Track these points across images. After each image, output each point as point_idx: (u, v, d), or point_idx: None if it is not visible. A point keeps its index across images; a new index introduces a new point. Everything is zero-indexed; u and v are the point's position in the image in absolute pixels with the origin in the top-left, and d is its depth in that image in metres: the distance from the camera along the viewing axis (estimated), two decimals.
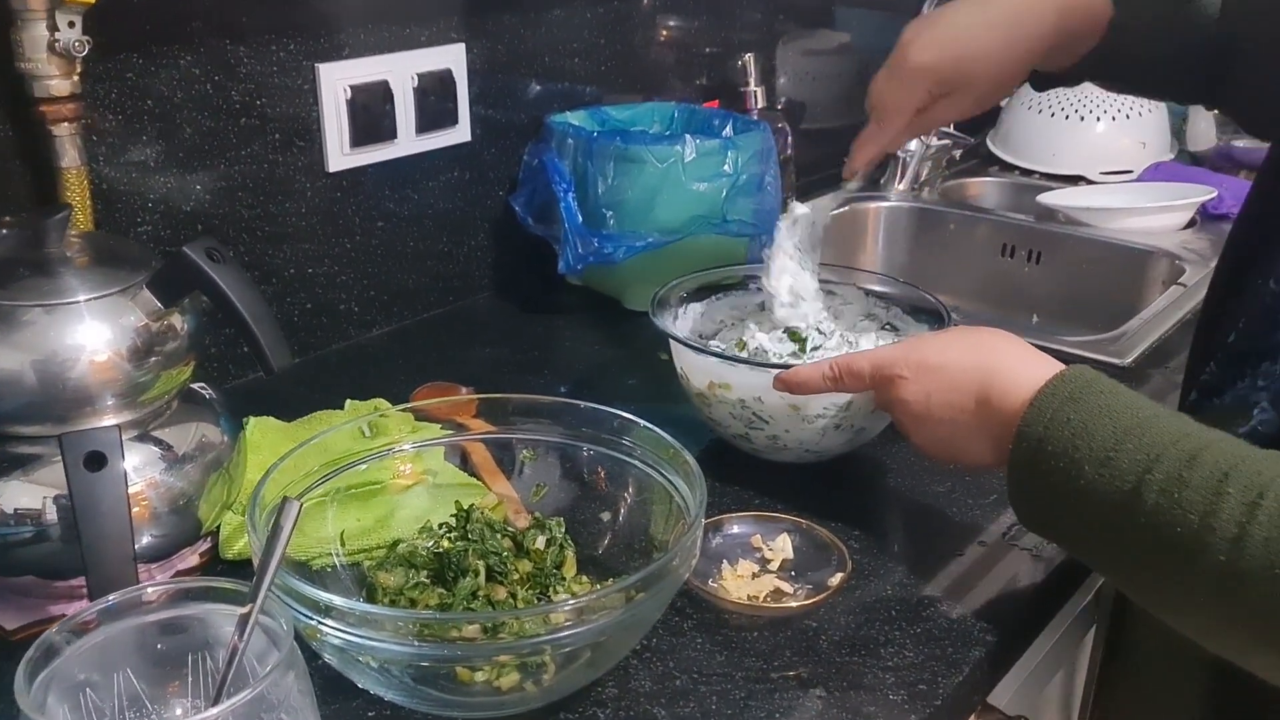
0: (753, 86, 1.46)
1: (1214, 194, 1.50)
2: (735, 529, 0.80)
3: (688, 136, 1.13)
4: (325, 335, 1.11)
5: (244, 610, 0.51)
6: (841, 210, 1.61)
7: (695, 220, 1.14)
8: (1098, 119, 1.70)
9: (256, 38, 0.98)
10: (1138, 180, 1.66)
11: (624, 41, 1.34)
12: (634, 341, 1.16)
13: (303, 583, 0.58)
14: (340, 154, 1.06)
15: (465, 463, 0.84)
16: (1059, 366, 0.68)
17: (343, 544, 0.74)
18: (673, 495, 0.71)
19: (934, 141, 1.67)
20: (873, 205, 1.64)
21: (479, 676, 0.63)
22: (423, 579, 0.70)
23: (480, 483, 0.83)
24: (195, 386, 0.80)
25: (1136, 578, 0.61)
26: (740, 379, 0.84)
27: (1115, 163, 1.69)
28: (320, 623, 0.58)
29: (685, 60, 1.44)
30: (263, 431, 0.88)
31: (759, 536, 0.79)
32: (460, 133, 1.17)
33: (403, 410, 0.81)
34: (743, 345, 0.91)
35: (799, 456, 0.87)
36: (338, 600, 0.58)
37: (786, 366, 0.81)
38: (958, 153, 1.83)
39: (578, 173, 1.16)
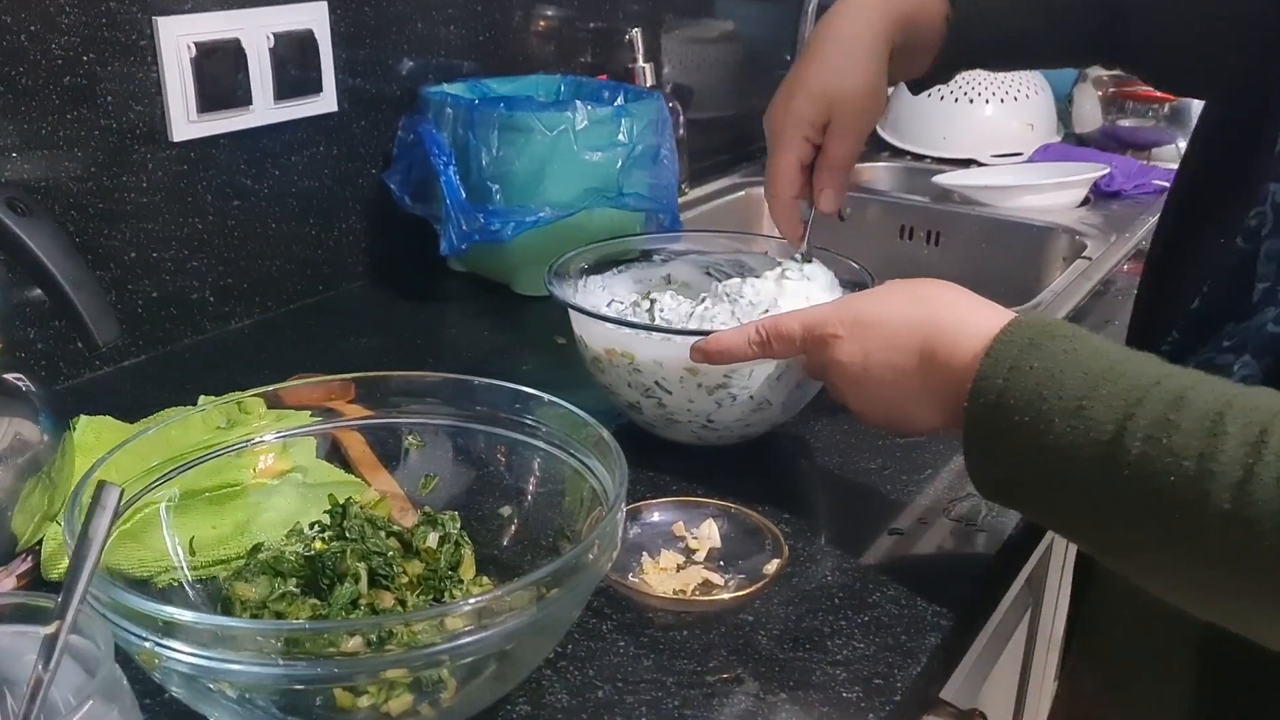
0: (641, 63, 1.38)
1: (1107, 170, 1.48)
2: (655, 516, 0.71)
3: (578, 103, 1.04)
4: (175, 328, 0.98)
5: (49, 630, 0.39)
6: (736, 196, 1.55)
7: (589, 194, 1.05)
8: (986, 101, 1.68)
9: None
10: (1028, 162, 1.64)
11: (503, 10, 1.24)
12: (526, 327, 1.07)
13: (135, 594, 0.47)
14: (186, 121, 0.93)
15: (340, 458, 0.73)
16: (1010, 314, 0.61)
17: (192, 553, 0.62)
18: (586, 479, 0.61)
19: None
20: None
21: (363, 701, 0.52)
22: (291, 588, 0.58)
23: (359, 479, 0.72)
24: (8, 377, 0.67)
25: (1121, 541, 0.54)
26: (644, 348, 0.75)
27: (1005, 145, 1.67)
28: (160, 644, 0.47)
29: (569, 34, 1.35)
30: (96, 432, 0.75)
31: (681, 524, 0.70)
32: (325, 102, 1.05)
33: (261, 393, 0.69)
34: (648, 304, 0.83)
35: (695, 434, 0.78)
36: (183, 614, 0.46)
37: (704, 333, 0.72)
38: None
39: (458, 145, 1.06)
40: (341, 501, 0.63)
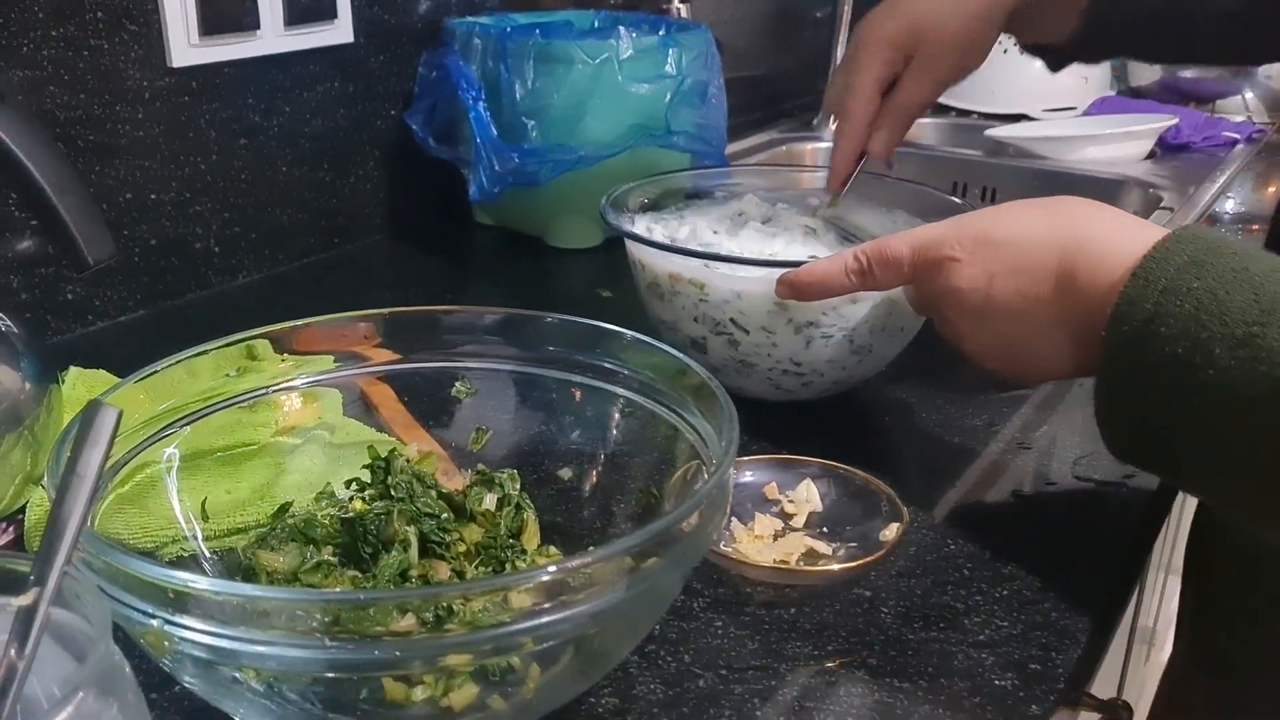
0: (676, 3, 1.27)
1: (1175, 120, 1.38)
2: (746, 476, 0.60)
3: (622, 29, 0.93)
4: (177, 281, 0.87)
5: (24, 600, 0.29)
6: (774, 152, 1.45)
7: (634, 131, 0.95)
8: None
9: None
10: (1084, 115, 1.54)
11: None
12: (563, 284, 0.96)
13: (136, 557, 0.36)
14: (186, 44, 0.83)
15: (371, 416, 0.63)
16: (1163, 233, 0.51)
17: (204, 520, 0.52)
18: (682, 433, 0.50)
19: None
20: (809, 146, 1.47)
21: (418, 694, 0.42)
22: (326, 557, 0.48)
23: (396, 439, 0.62)
24: None
25: None
26: (719, 279, 0.65)
27: (1058, 99, 1.57)
28: (171, 622, 0.37)
29: None
30: (89, 385, 0.65)
31: (774, 485, 0.60)
32: (340, 31, 0.95)
33: (282, 330, 0.59)
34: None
35: (771, 382, 0.68)
36: (199, 581, 0.36)
37: (795, 264, 0.62)
38: None
39: (488, 79, 0.95)
40: (383, 455, 0.52)
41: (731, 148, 1.43)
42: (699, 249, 0.69)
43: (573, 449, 0.56)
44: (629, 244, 0.70)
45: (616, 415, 0.54)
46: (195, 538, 0.52)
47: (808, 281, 0.61)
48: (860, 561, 0.54)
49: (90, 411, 0.30)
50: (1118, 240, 0.51)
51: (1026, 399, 0.72)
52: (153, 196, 0.84)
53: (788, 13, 1.62)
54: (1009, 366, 0.58)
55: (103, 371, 0.68)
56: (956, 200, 0.74)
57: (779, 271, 0.62)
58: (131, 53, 0.80)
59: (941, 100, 1.63)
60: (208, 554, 0.51)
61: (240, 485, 0.57)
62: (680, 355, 0.51)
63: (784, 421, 0.68)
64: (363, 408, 0.62)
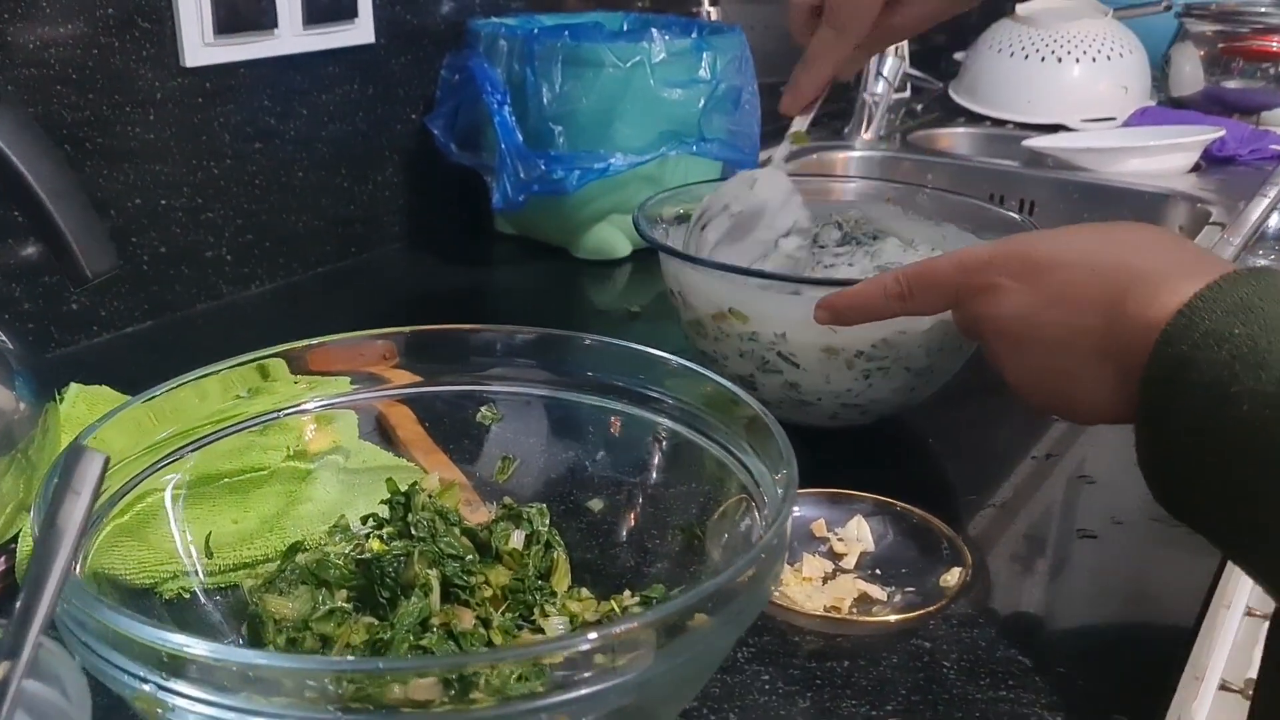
0: (707, 5, 1.23)
1: (1221, 132, 1.33)
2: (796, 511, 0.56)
3: (654, 31, 0.89)
4: (186, 291, 0.83)
5: None
6: (807, 160, 1.40)
7: (666, 138, 0.91)
8: (1076, 60, 1.53)
9: None
10: (1124, 126, 1.49)
11: None
12: (590, 298, 0.92)
13: (128, 614, 0.32)
14: (201, 43, 0.79)
15: (389, 440, 0.59)
16: (1232, 266, 0.46)
17: (208, 555, 0.48)
18: (732, 471, 0.46)
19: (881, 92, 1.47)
20: (840, 155, 1.43)
21: None
22: (340, 603, 0.44)
23: (415, 464, 0.58)
24: None
25: None
26: (765, 307, 0.60)
27: (1097, 109, 1.52)
28: (165, 686, 0.32)
29: None
30: (90, 403, 0.61)
31: (823, 522, 0.56)
32: (361, 31, 0.91)
33: (296, 349, 0.55)
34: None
35: (829, 416, 0.64)
36: (197, 645, 0.32)
37: (847, 283, 0.58)
38: (919, 105, 1.65)
39: (514, 82, 0.91)
40: (403, 488, 0.48)
41: (761, 156, 1.39)
42: (744, 266, 0.65)
43: (608, 481, 0.52)
44: (664, 263, 0.65)
45: (657, 446, 0.50)
46: (197, 573, 0.48)
47: (845, 305, 0.57)
48: (919, 611, 0.50)
49: (73, 457, 0.26)
50: (1172, 274, 0.46)
51: (1085, 428, 0.68)
52: (163, 202, 0.80)
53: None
54: (1051, 402, 0.53)
55: (105, 388, 0.64)
56: (1015, 216, 0.70)
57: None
58: (143, 51, 0.77)
59: (976, 109, 1.59)
60: (210, 591, 0.47)
61: (248, 515, 0.53)
62: (730, 385, 0.46)
63: (832, 447, 0.64)
64: (380, 430, 0.58)
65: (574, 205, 0.92)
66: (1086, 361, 0.49)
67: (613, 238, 0.95)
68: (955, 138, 1.57)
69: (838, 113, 1.58)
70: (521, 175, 0.88)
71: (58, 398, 0.60)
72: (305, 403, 0.54)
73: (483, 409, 0.53)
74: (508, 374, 0.52)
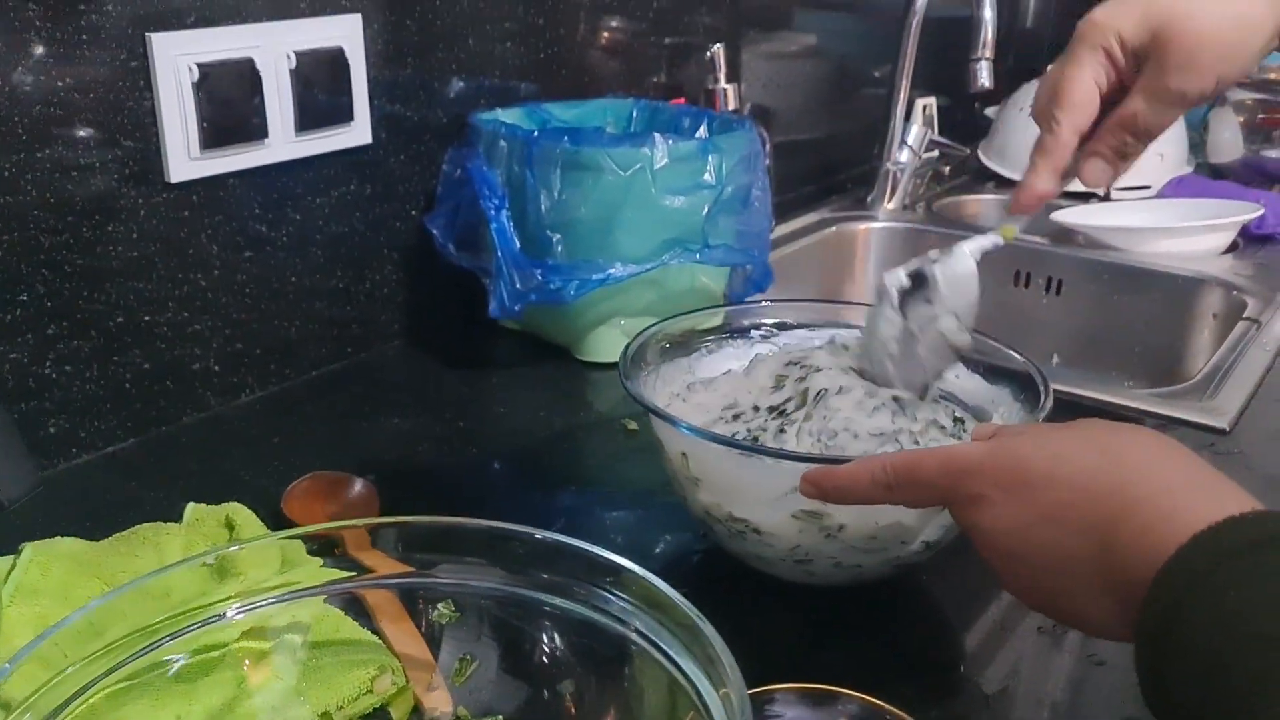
0: (723, 84, 1.20)
1: (1260, 211, 1.28)
2: (772, 709, 0.52)
3: (657, 136, 0.86)
4: (171, 406, 0.81)
5: None
6: (825, 234, 1.37)
7: (668, 245, 0.87)
8: None
9: None
10: (1158, 197, 1.44)
11: (567, 24, 1.07)
12: (591, 404, 0.89)
13: None
14: (187, 158, 0.77)
15: (356, 602, 0.56)
16: (1245, 502, 0.42)
17: None
18: (681, 686, 0.43)
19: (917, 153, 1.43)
20: (861, 226, 1.39)
21: None
22: None
23: (377, 638, 0.55)
24: None
25: None
26: (758, 479, 0.57)
27: (1131, 177, 1.44)
28: None
29: (639, 51, 1.18)
30: (44, 568, 0.58)
31: None
32: (357, 133, 0.89)
33: (252, 545, 0.52)
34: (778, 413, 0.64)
35: (791, 572, 0.61)
36: None
37: (836, 460, 0.54)
38: (946, 168, 1.61)
39: (513, 185, 0.89)
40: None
41: (778, 230, 1.35)
42: (728, 436, 0.62)
43: (569, 688, 0.49)
44: (658, 426, 0.62)
45: (616, 655, 0.47)
46: None
47: (832, 486, 0.53)
48: None
49: None
50: (1174, 505, 0.42)
51: None
52: (146, 318, 0.78)
53: (844, 71, 1.54)
54: (1058, 616, 0.49)
55: (65, 542, 0.62)
56: (1022, 362, 0.66)
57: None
58: (126, 170, 0.75)
59: (1005, 173, 1.55)
60: None
61: (193, 709, 0.50)
62: (690, 610, 0.43)
63: (814, 615, 0.60)
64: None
65: (574, 311, 0.89)
66: (1083, 585, 0.45)
67: (614, 341, 0.92)
68: (983, 204, 1.53)
69: (861, 177, 1.55)
70: (518, 285, 0.86)
71: (15, 563, 0.58)
72: (269, 593, 0.51)
73: (439, 606, 0.50)
74: (462, 571, 0.49)
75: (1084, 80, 0.58)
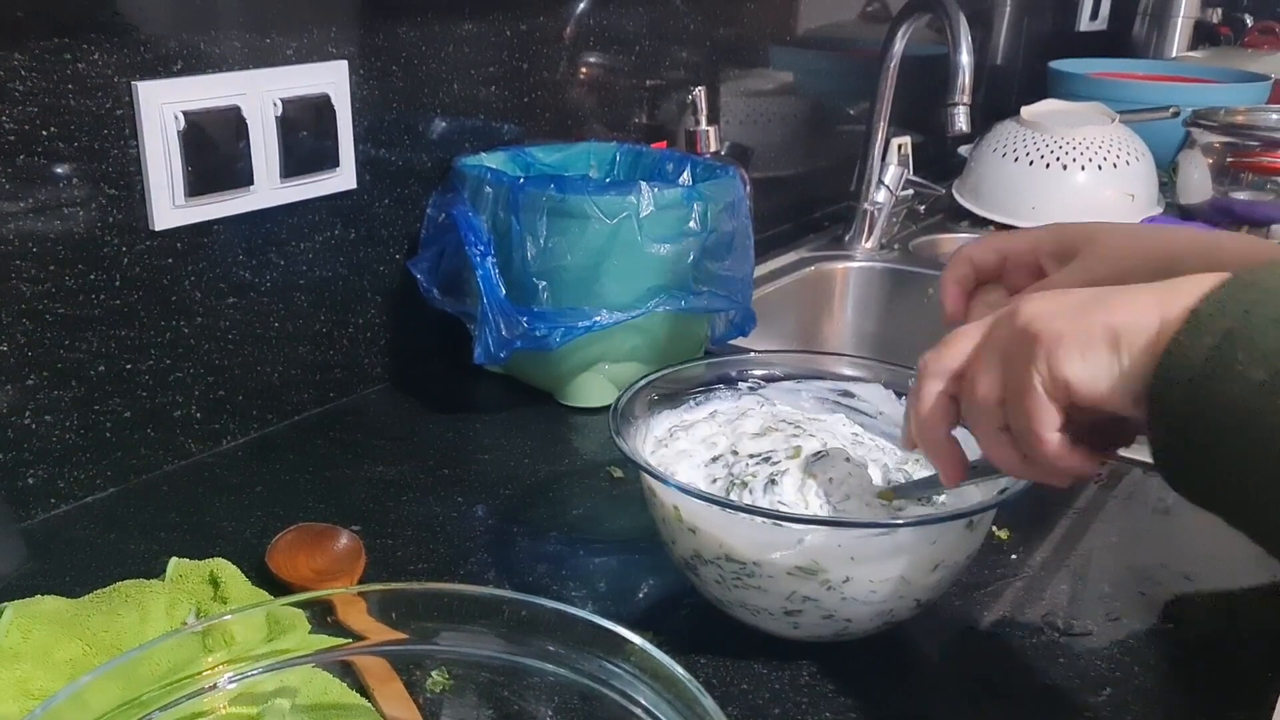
0: (704, 125, 1.21)
1: None
2: None
3: (643, 185, 0.86)
4: (152, 453, 0.81)
5: None
6: (804, 274, 1.38)
7: (654, 293, 0.88)
8: (1082, 167, 1.50)
9: (41, 42, 0.69)
10: None
11: (549, 68, 1.08)
12: (576, 450, 0.89)
13: None
14: (171, 206, 0.77)
15: (347, 667, 0.56)
16: None
17: None
18: None
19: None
20: (840, 265, 1.40)
21: None
22: None
23: (367, 704, 0.55)
24: None
25: None
26: (739, 531, 0.57)
27: (1102, 216, 1.49)
28: None
29: (622, 94, 1.18)
30: (25, 631, 0.57)
31: None
32: (342, 178, 0.88)
33: (237, 614, 0.52)
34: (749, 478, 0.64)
35: (784, 626, 0.61)
36: None
37: (851, 523, 0.55)
38: (921, 207, 1.62)
39: (499, 231, 0.89)
40: None
41: (758, 270, 1.36)
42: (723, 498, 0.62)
43: None
44: (651, 485, 0.62)
45: None
46: None
47: (915, 433, 0.54)
48: None
49: None
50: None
51: (1105, 652, 0.64)
52: (128, 366, 0.78)
53: (821, 109, 1.55)
54: (1074, 323, 0.45)
55: (47, 600, 0.61)
56: None
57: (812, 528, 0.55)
58: (109, 218, 0.74)
59: (979, 212, 1.57)
60: None
61: None
62: (692, 684, 0.43)
63: (803, 674, 0.60)
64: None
65: (559, 356, 0.89)
66: (1130, 291, 0.45)
67: (599, 387, 0.92)
68: (958, 243, 1.54)
69: (839, 215, 1.56)
70: (504, 332, 0.86)
71: None
72: (256, 663, 0.50)
73: (435, 673, 0.50)
74: (458, 639, 0.49)
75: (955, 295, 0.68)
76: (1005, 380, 0.48)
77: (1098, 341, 0.44)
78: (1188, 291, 0.42)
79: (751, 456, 0.65)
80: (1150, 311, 0.43)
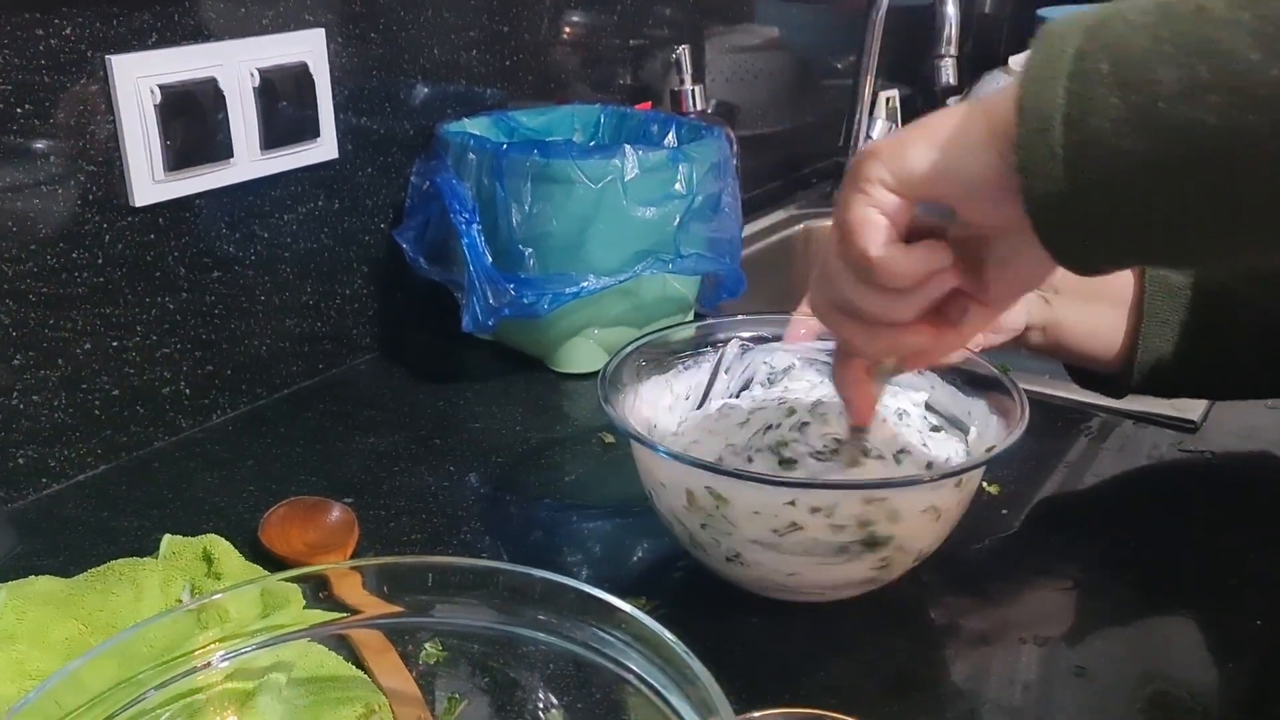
0: (689, 85, 1.20)
1: None
2: None
3: (627, 148, 0.86)
4: (142, 430, 0.80)
5: None
6: (792, 232, 1.37)
7: (640, 257, 0.87)
8: None
9: (12, 18, 0.68)
10: None
11: (531, 30, 1.06)
12: (567, 416, 0.89)
13: None
14: (150, 181, 0.76)
15: (342, 640, 0.56)
16: None
17: None
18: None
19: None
20: (828, 223, 1.39)
21: None
22: None
23: (363, 674, 0.55)
24: None
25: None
26: (743, 493, 0.58)
27: None
28: None
29: (605, 55, 1.17)
30: (19, 612, 0.57)
31: None
32: (324, 148, 0.88)
33: (234, 590, 0.52)
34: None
35: (810, 578, 0.61)
36: None
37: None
38: None
39: (484, 198, 0.88)
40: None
41: (746, 229, 1.35)
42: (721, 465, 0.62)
43: None
44: (637, 448, 0.62)
45: (608, 694, 0.47)
46: None
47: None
48: None
49: None
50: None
51: (1083, 607, 0.65)
52: (114, 344, 0.77)
53: (807, 64, 1.54)
54: (929, 174, 0.45)
55: (40, 581, 0.61)
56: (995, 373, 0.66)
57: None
58: (89, 196, 0.74)
59: None
60: None
61: None
62: (681, 649, 0.43)
63: (797, 636, 0.61)
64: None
65: (547, 322, 0.89)
66: (957, 134, 0.45)
67: (589, 352, 0.92)
68: None
69: (827, 171, 1.56)
70: (491, 300, 0.85)
71: None
72: (250, 639, 0.51)
73: (428, 645, 0.50)
74: (450, 610, 0.49)
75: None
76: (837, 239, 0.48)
77: (917, 140, 0.46)
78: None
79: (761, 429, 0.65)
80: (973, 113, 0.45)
